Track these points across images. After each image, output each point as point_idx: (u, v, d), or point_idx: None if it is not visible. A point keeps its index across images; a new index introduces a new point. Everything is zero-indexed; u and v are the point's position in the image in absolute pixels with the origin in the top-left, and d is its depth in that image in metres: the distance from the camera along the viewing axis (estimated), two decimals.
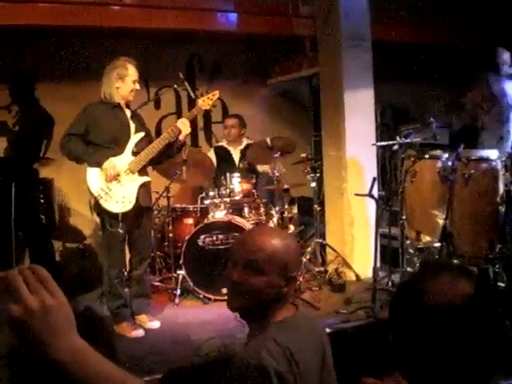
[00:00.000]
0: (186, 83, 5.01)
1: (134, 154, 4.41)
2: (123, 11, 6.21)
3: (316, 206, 6.04)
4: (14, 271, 1.12)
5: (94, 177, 4.34)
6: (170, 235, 5.59)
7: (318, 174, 6.05)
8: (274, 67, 7.71)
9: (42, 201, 5.26)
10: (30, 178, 5.32)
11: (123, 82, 4.40)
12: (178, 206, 5.91)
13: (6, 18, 5.59)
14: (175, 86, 5.12)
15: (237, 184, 5.74)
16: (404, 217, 5.15)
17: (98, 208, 4.34)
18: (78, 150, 4.31)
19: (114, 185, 4.34)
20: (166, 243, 5.83)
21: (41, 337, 1.08)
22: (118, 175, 4.35)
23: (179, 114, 7.10)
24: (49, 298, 1.13)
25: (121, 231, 4.29)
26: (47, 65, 6.44)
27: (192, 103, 6.85)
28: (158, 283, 5.67)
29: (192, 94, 5.58)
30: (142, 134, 4.48)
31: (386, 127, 7.07)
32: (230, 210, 5.58)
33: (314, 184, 6.00)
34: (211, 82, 7.36)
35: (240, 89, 7.49)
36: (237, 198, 5.68)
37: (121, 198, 4.34)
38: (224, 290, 5.21)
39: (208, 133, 7.55)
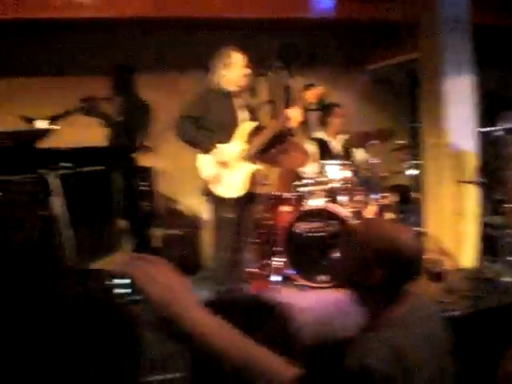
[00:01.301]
0: (282, 71, 5.04)
1: (245, 141, 4.51)
2: (214, 1, 6.30)
3: (414, 193, 5.93)
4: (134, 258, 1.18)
5: (205, 162, 4.46)
6: (267, 222, 5.63)
7: (416, 162, 5.94)
8: (370, 54, 7.60)
9: (142, 188, 5.40)
10: (131, 167, 5.48)
11: (230, 70, 4.51)
12: (274, 193, 5.95)
13: (111, 10, 5.78)
14: (270, 73, 5.16)
15: (334, 171, 5.70)
16: (509, 205, 4.99)
17: (208, 193, 4.46)
18: (190, 134, 4.46)
19: (225, 171, 4.44)
20: (262, 230, 5.88)
21: (172, 310, 1.11)
22: (229, 162, 4.45)
23: (275, 103, 7.11)
24: (173, 276, 1.17)
25: (230, 216, 4.38)
26: (148, 56, 6.61)
27: (288, 92, 6.85)
28: (254, 270, 5.72)
29: (287, 83, 5.60)
30: (251, 123, 4.58)
31: (488, 113, 6.84)
32: (327, 198, 5.57)
33: (411, 172, 5.89)
34: (306, 70, 7.32)
35: (335, 77, 7.43)
36: (333, 185, 5.65)
37: (231, 184, 4.44)
38: (320, 278, 5.21)
39: (304, 122, 7.53)
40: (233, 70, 4.54)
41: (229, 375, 1.21)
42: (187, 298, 1.22)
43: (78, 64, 6.49)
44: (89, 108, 6.16)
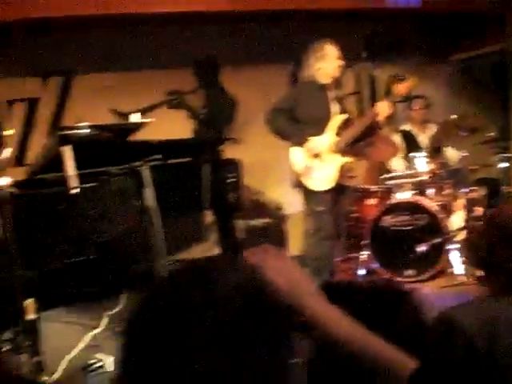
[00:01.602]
0: (368, 62, 5.01)
1: (336, 134, 4.50)
2: None
3: (504, 187, 5.77)
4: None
5: (297, 155, 4.49)
6: (353, 215, 5.60)
7: (506, 155, 5.77)
8: (456, 45, 7.43)
9: (229, 180, 5.45)
10: (218, 159, 5.54)
11: (324, 62, 4.51)
12: (361, 186, 5.90)
13: (197, 4, 5.86)
14: (356, 64, 5.14)
15: (422, 164, 5.61)
16: None
17: (299, 186, 4.48)
18: (282, 126, 4.49)
19: (317, 164, 4.45)
20: (348, 223, 5.84)
21: (297, 300, 1.12)
22: (321, 154, 4.45)
23: (360, 94, 7.06)
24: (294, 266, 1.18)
25: (321, 209, 4.39)
26: (230, 49, 6.65)
27: (373, 83, 6.80)
28: (340, 263, 5.70)
29: (373, 74, 5.55)
30: (343, 115, 4.57)
31: None
32: (414, 191, 5.48)
33: (502, 165, 5.73)
34: (392, 60, 7.23)
35: (421, 68, 7.29)
36: (421, 178, 5.55)
37: (322, 176, 4.44)
38: (407, 272, 5.15)
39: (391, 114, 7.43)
40: (327, 63, 4.54)
41: (349, 366, 1.21)
42: (309, 288, 1.23)
43: (164, 58, 6.59)
44: (175, 101, 6.27)
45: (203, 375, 0.90)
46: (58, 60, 6.38)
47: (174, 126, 6.13)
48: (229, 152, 5.87)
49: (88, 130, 4.19)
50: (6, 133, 3.61)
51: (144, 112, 5.99)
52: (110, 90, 6.48)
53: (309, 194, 4.49)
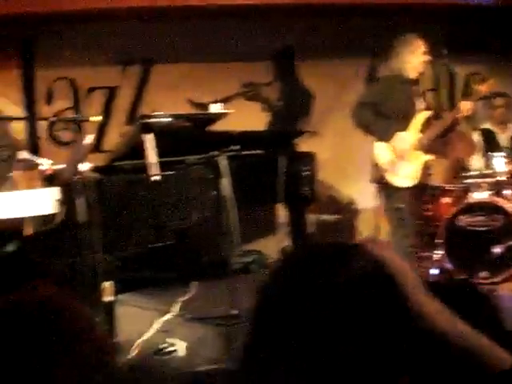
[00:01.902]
0: (447, 58, 4.93)
1: (420, 131, 4.47)
2: None
3: None
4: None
5: (381, 150, 4.47)
6: (429, 214, 5.52)
7: None
8: None
9: (303, 174, 5.46)
10: (293, 152, 5.55)
11: (413, 57, 4.48)
12: (438, 184, 5.81)
13: None
14: (435, 60, 5.06)
15: (500, 164, 5.48)
16: None
17: (380, 181, 4.46)
18: (368, 121, 4.48)
19: (401, 160, 4.42)
20: (422, 222, 5.76)
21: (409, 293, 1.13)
22: (406, 151, 4.43)
23: (436, 92, 6.95)
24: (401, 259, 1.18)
25: (403, 206, 4.37)
26: (307, 41, 6.64)
27: (452, 79, 6.69)
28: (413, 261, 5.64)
29: (452, 70, 5.46)
30: (427, 112, 4.53)
31: None
32: (491, 191, 5.37)
33: None
34: (471, 57, 7.08)
35: (500, 65, 7.12)
36: (499, 178, 5.43)
37: (406, 173, 4.41)
38: (482, 274, 5.05)
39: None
40: (415, 57, 4.51)
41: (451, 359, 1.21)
42: (416, 281, 1.23)
43: (241, 50, 6.63)
44: (250, 93, 6.30)
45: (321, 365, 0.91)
46: (138, 49, 6.49)
47: (248, 118, 6.17)
48: (304, 145, 5.88)
49: (170, 119, 4.27)
50: (92, 119, 3.70)
51: (219, 103, 6.04)
52: (186, 81, 6.56)
53: (390, 191, 4.47)
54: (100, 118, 3.72)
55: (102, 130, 6.31)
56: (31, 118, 6.09)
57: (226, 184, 4.48)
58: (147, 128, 4.15)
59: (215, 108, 4.51)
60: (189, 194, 4.41)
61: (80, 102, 6.46)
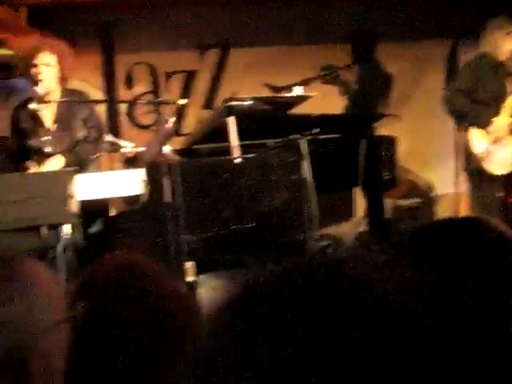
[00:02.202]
0: None
1: (510, 115, 4.35)
2: None
3: None
4: None
5: (477, 137, 4.37)
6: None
7: None
8: None
9: (384, 158, 5.37)
10: (375, 136, 5.47)
11: (507, 40, 4.36)
12: None
13: None
14: None
15: None
16: None
17: (474, 169, 4.37)
18: (463, 108, 4.38)
19: (497, 147, 4.32)
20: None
21: None
22: (501, 137, 4.32)
23: None
24: None
25: (497, 193, 4.27)
26: (387, 23, 6.52)
27: None
28: None
29: None
30: None
31: None
32: None
33: None
34: None
35: None
36: None
37: (502, 160, 4.31)
38: None
39: None
40: (509, 40, 4.37)
41: None
42: None
43: (318, 33, 6.57)
44: (329, 76, 6.24)
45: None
46: (215, 33, 6.52)
47: (326, 101, 6.11)
48: (383, 129, 5.79)
49: (252, 102, 4.27)
50: (180, 101, 3.73)
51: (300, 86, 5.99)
52: (263, 64, 6.54)
53: (483, 178, 4.35)
54: (186, 100, 3.74)
55: (180, 113, 6.37)
56: (113, 101, 6.20)
57: (306, 167, 4.44)
58: (230, 111, 4.16)
59: (297, 91, 4.48)
60: (269, 177, 4.40)
61: (159, 86, 6.54)
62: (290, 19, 6.55)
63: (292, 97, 4.57)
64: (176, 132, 6.14)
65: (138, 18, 6.41)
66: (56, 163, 4.03)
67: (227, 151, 4.34)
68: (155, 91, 6.49)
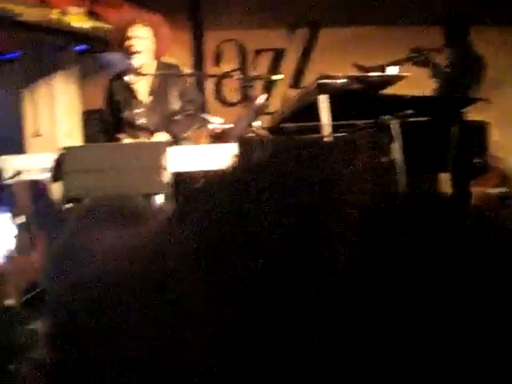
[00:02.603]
0: None
1: None
2: None
3: None
4: None
5: None
6: None
7: None
8: None
9: (475, 143, 5.24)
10: (466, 120, 5.33)
11: None
12: None
13: None
14: None
15: None
16: None
17: None
18: None
19: None
20: None
21: None
22: None
23: None
24: None
25: None
26: (483, 7, 6.33)
27: None
28: None
29: None
30: None
31: None
32: None
33: None
34: None
35: None
36: None
37: None
38: None
39: None
40: None
41: None
42: None
43: (409, 13, 6.43)
44: (419, 58, 6.10)
45: None
46: (305, 12, 6.47)
47: (415, 84, 5.99)
48: (474, 115, 5.63)
49: (345, 80, 4.22)
50: (275, 77, 3.72)
51: (383, 69, 5.89)
52: (352, 44, 6.46)
53: None
54: (282, 76, 3.72)
55: (267, 92, 6.36)
56: (209, 76, 6.24)
57: (397, 149, 4.37)
58: (323, 88, 4.12)
59: (392, 70, 4.40)
60: (360, 158, 4.34)
61: (246, 64, 6.56)
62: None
63: (387, 75, 4.49)
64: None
65: None
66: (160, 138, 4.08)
67: (315, 130, 4.31)
68: (243, 69, 6.51)
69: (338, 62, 6.24)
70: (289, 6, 6.44)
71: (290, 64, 6.54)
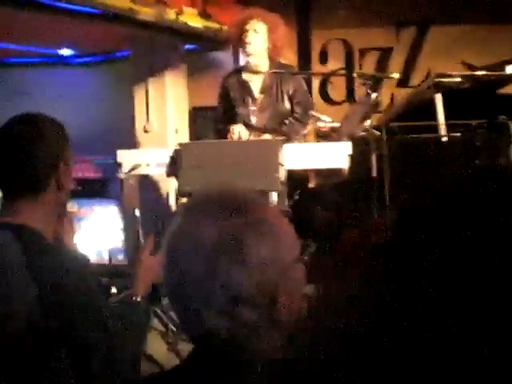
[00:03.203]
0: None
1: None
2: None
3: None
4: None
5: None
6: None
7: None
8: None
9: None
10: None
11: None
12: None
13: None
14: None
15: None
16: None
17: None
18: None
19: None
20: None
21: None
22: None
23: None
24: None
25: None
26: None
27: None
28: None
29: None
30: None
31: None
32: None
33: None
34: None
35: None
36: None
37: None
38: None
39: None
40: None
41: None
42: None
43: None
44: None
45: None
46: (413, 10, 6.37)
47: None
48: None
49: (462, 79, 4.13)
50: (393, 75, 3.68)
51: (494, 68, 5.71)
52: (461, 43, 6.31)
53: None
54: (398, 75, 3.68)
55: (374, 90, 6.30)
56: (326, 74, 6.21)
57: None
58: (439, 87, 4.04)
59: (511, 69, 4.26)
60: (475, 158, 4.24)
61: (353, 62, 6.51)
62: None
63: (505, 75, 4.35)
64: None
65: None
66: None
67: (427, 129, 4.23)
68: (349, 68, 6.47)
69: (445, 61, 6.11)
70: (395, 4, 6.35)
71: (397, 63, 6.44)
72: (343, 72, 6.21)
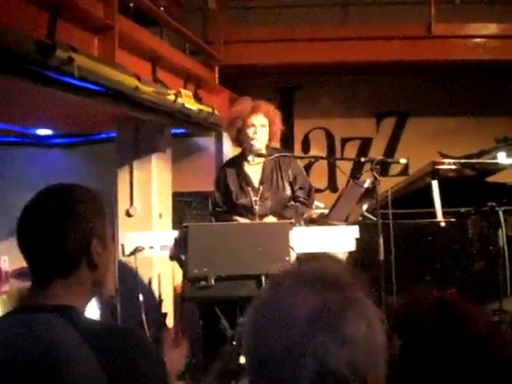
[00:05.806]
0: None
1: None
2: None
3: None
4: None
5: None
6: None
7: None
8: None
9: None
10: None
11: None
12: None
13: None
14: None
15: None
16: None
17: None
18: None
19: None
20: None
21: None
22: None
23: None
24: None
25: None
26: None
27: None
28: None
29: None
30: None
31: None
32: None
33: None
34: None
35: None
36: None
37: None
38: None
39: None
40: None
41: None
42: None
43: (494, 104, 6.56)
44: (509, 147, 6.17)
45: None
46: (393, 102, 6.66)
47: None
48: None
49: (454, 167, 4.30)
50: (401, 161, 3.80)
51: (472, 157, 5.95)
52: (438, 134, 6.61)
53: None
54: (405, 160, 3.81)
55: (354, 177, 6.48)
56: (331, 158, 6.30)
57: (502, 236, 4.38)
58: (434, 174, 4.20)
59: (502, 157, 4.46)
60: (469, 243, 4.37)
61: (334, 151, 6.71)
62: (468, 89, 6.59)
63: (499, 163, 4.54)
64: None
65: (317, 84, 6.65)
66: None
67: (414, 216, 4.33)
68: (330, 156, 6.64)
69: (423, 151, 6.33)
70: (375, 95, 6.63)
71: (376, 152, 6.64)
72: (349, 157, 6.35)
